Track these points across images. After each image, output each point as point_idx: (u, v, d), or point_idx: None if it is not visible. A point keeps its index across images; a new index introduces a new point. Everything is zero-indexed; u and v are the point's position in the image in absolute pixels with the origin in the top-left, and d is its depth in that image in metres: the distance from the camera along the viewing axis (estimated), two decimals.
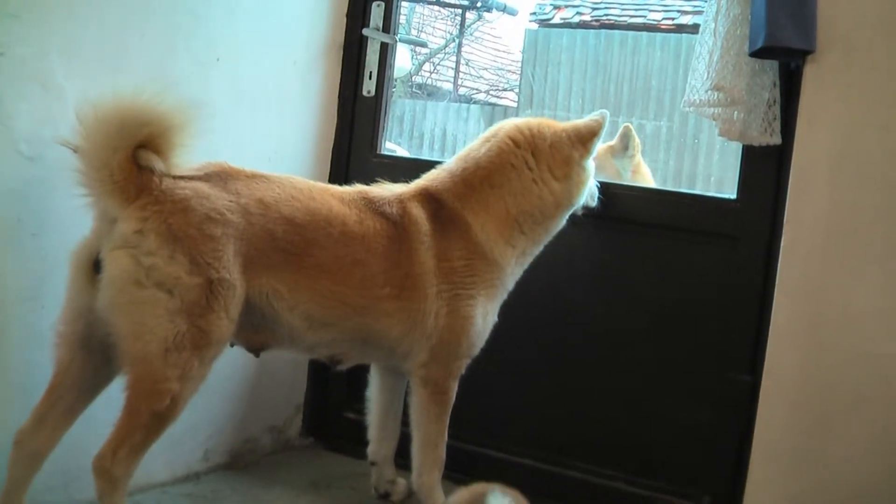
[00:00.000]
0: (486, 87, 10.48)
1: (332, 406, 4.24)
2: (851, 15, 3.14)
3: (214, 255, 2.88)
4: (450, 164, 3.49)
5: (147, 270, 2.81)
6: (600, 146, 3.63)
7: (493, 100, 10.35)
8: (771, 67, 3.28)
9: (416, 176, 3.53)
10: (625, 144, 4.53)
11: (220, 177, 3.03)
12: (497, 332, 3.47)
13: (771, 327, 3.24)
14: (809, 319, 3.18)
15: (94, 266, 2.84)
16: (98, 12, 3.15)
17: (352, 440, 3.95)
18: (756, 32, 3.13)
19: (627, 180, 4.44)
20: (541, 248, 3.52)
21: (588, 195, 3.56)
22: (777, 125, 3.28)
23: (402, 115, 8.98)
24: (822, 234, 3.16)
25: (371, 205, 3.28)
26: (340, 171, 4.18)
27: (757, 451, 3.26)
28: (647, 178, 4.60)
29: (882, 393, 3.09)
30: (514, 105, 9.44)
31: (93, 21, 3.13)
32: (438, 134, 9.27)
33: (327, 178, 4.17)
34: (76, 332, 2.90)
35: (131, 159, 2.81)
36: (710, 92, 3.28)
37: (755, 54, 3.16)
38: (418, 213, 3.31)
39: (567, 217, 3.51)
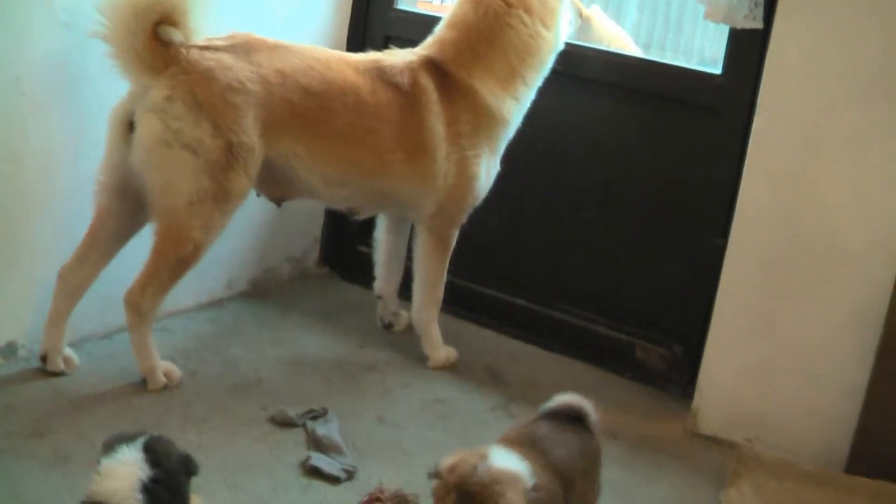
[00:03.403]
0: None
1: (346, 239, 4.58)
2: None
3: (235, 121, 3.20)
4: (445, 32, 3.71)
5: (174, 133, 3.15)
6: None
7: None
8: None
9: (430, 30, 3.79)
10: None
11: (244, 48, 3.31)
12: (499, 184, 3.80)
13: (738, 200, 3.49)
14: (776, 196, 3.41)
15: (129, 126, 3.18)
16: None
17: (363, 271, 4.30)
18: None
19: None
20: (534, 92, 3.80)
21: None
22: (760, 11, 3.45)
23: None
24: (793, 118, 3.35)
25: (384, 75, 3.54)
26: (359, 23, 4.40)
27: (718, 310, 3.57)
28: (602, 34, 4.74)
29: (837, 269, 3.36)
30: None
31: None
32: None
33: (346, 31, 4.41)
34: (113, 183, 3.26)
35: (153, 37, 3.11)
36: None
37: None
38: (427, 82, 3.57)
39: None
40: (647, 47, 7.12)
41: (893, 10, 3.19)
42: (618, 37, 4.74)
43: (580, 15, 4.59)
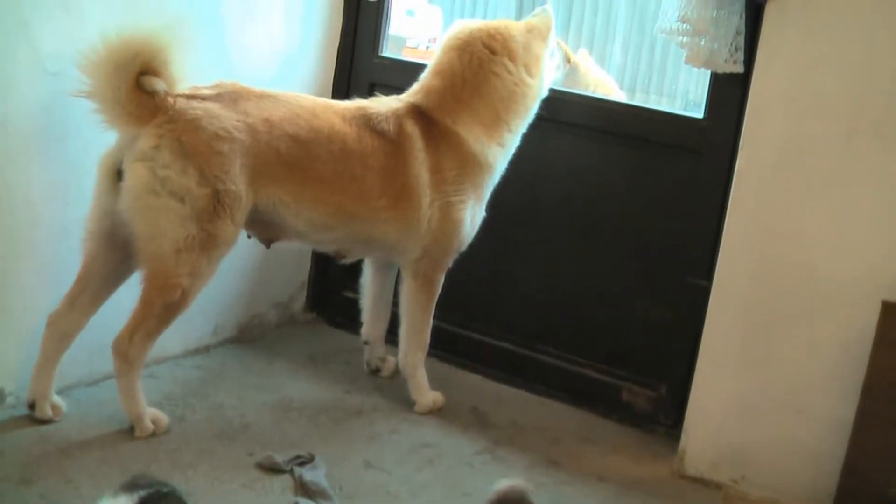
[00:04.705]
0: None
1: (333, 285, 4.61)
2: None
3: (222, 169, 3.23)
4: (431, 79, 3.77)
5: (162, 181, 3.17)
6: None
7: None
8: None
9: (413, 77, 3.84)
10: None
11: (231, 97, 3.35)
12: (483, 228, 3.83)
13: (722, 240, 3.54)
14: (759, 236, 3.46)
15: (117, 175, 3.20)
16: None
17: (349, 316, 4.33)
18: None
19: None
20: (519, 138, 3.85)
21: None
22: (740, 55, 3.49)
23: None
24: (775, 159, 3.41)
25: (369, 122, 3.58)
26: (344, 71, 4.46)
27: (704, 350, 3.60)
28: (589, 79, 4.82)
29: (821, 307, 3.39)
30: None
31: None
32: None
33: (332, 77, 4.47)
34: (102, 230, 3.27)
35: (136, 89, 3.14)
36: (678, 22, 3.49)
37: None
38: (412, 129, 3.62)
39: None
40: (631, 90, 7.23)
41: (872, 50, 3.25)
42: (604, 82, 4.83)
43: (568, 60, 4.68)
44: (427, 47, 6.94)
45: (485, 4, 8.71)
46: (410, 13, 7.22)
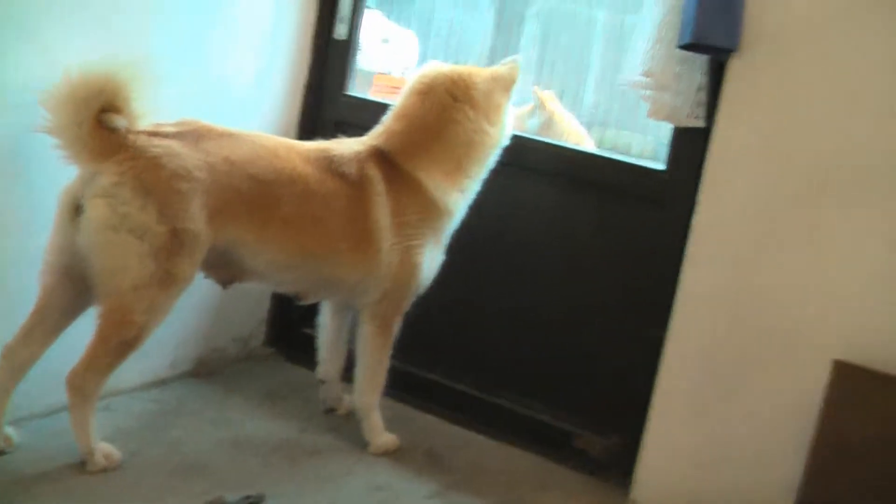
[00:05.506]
0: None
1: (292, 321, 4.62)
2: (777, 16, 3.38)
3: (181, 208, 3.23)
4: (393, 122, 3.79)
5: (121, 218, 3.16)
6: None
7: None
8: (702, 55, 3.51)
9: (379, 116, 3.87)
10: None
11: (193, 135, 3.35)
12: (444, 270, 3.84)
13: (678, 292, 3.58)
14: (715, 290, 3.50)
15: (77, 209, 3.20)
16: None
17: (308, 353, 4.29)
18: (685, 27, 3.35)
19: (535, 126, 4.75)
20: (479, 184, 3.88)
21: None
22: (702, 111, 3.52)
23: None
24: (733, 213, 3.46)
25: (332, 164, 3.60)
26: (312, 109, 4.48)
27: (657, 401, 3.65)
28: (563, 127, 4.91)
29: (774, 362, 3.44)
30: None
31: None
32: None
33: (299, 115, 4.49)
34: (60, 263, 3.26)
35: (98, 125, 3.14)
36: (641, 76, 3.53)
37: (683, 48, 3.40)
38: (374, 173, 3.64)
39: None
40: (604, 125, 7.26)
41: (834, 110, 3.31)
42: (576, 132, 4.91)
43: (543, 107, 4.74)
44: (401, 74, 6.95)
45: (460, 32, 8.74)
46: (386, 42, 7.24)
